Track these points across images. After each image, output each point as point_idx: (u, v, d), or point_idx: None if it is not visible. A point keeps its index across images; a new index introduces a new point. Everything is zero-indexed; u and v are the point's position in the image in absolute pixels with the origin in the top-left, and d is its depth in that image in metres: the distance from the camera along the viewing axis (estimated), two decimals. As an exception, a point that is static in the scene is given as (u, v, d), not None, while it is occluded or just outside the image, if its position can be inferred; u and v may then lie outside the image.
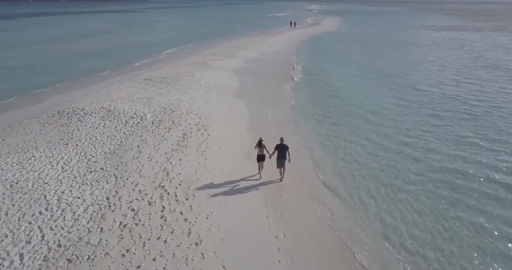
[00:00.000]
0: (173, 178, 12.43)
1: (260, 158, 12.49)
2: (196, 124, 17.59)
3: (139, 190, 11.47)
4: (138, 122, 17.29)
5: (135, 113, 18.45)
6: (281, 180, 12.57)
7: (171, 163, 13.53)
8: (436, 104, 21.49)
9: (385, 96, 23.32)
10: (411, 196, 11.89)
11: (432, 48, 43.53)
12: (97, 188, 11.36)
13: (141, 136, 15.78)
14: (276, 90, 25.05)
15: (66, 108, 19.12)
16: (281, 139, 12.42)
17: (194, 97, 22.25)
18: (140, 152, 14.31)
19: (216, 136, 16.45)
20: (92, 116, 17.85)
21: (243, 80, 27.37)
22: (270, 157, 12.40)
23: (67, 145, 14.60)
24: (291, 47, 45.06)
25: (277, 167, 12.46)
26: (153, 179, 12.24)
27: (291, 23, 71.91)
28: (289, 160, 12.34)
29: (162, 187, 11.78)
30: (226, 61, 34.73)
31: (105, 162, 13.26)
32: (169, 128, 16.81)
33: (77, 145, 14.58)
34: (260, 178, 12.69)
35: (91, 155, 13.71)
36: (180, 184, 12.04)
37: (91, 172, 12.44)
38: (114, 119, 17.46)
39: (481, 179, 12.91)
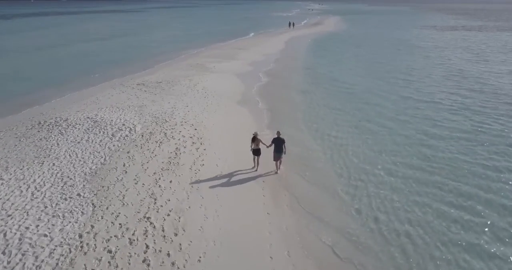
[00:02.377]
0: (161, 206, 10.67)
1: (256, 152, 12.80)
2: (190, 137, 15.83)
3: (120, 224, 9.70)
4: (126, 135, 15.53)
5: (123, 124, 16.69)
6: (276, 172, 12.85)
7: (159, 186, 11.77)
8: (443, 122, 18.08)
9: (389, 107, 21.42)
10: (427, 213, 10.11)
11: (437, 51, 41.07)
12: (70, 222, 9.59)
13: (128, 152, 14.01)
14: (283, 97, 23.08)
15: (48, 119, 17.36)
16: (278, 133, 12.73)
17: (190, 104, 20.50)
18: (126, 172, 12.55)
19: (213, 150, 14.69)
20: (76, 128, 16.08)
21: (244, 85, 25.58)
22: (268, 147, 12.66)
23: (42, 164, 12.84)
24: (292, 49, 43.24)
25: (274, 160, 12.79)
26: (138, 208, 10.47)
27: (289, 23, 70.08)
28: (285, 152, 12.65)
29: (148, 218, 10.01)
30: (225, 64, 32.98)
31: (83, 185, 11.49)
32: (160, 143, 15.05)
33: (54, 164, 12.81)
34: (256, 170, 12.98)
35: (68, 177, 11.95)
36: (168, 214, 10.27)
37: (65, 199, 10.67)
38: (100, 132, 15.69)
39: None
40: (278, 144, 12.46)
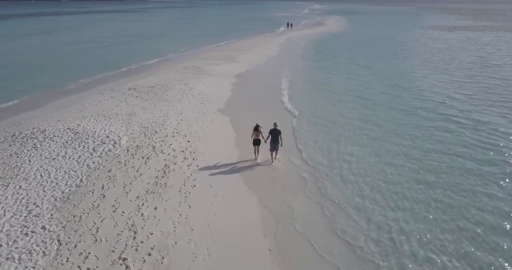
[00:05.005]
0: (142, 241, 8.88)
1: (256, 142, 13.18)
2: (182, 151, 14.07)
3: (88, 269, 7.91)
4: (109, 150, 13.73)
5: (107, 136, 14.90)
6: (272, 162, 13.20)
7: (142, 214, 9.99)
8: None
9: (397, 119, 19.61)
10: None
11: (440, 54, 38.98)
12: (26, 267, 7.81)
13: (109, 171, 12.23)
14: (284, 105, 21.36)
15: (24, 130, 15.58)
16: (275, 124, 13.13)
17: (184, 112, 18.76)
18: (104, 196, 10.77)
19: (206, 167, 12.94)
20: (53, 141, 14.30)
21: (244, 90, 23.83)
22: (265, 141, 13.10)
23: (7, 186, 11.05)
24: (290, 52, 41.43)
25: (270, 150, 13.18)
26: (113, 245, 8.68)
27: (287, 24, 67.90)
28: (281, 144, 13.10)
29: (124, 260, 8.22)
30: (224, 66, 31.23)
31: (51, 215, 9.70)
32: (148, 158, 13.27)
33: (20, 187, 11.03)
34: (256, 160, 13.36)
35: (34, 204, 10.16)
36: (150, 254, 8.48)
37: (26, 234, 8.89)
38: (79, 146, 13.90)
39: None
40: (275, 135, 12.88)
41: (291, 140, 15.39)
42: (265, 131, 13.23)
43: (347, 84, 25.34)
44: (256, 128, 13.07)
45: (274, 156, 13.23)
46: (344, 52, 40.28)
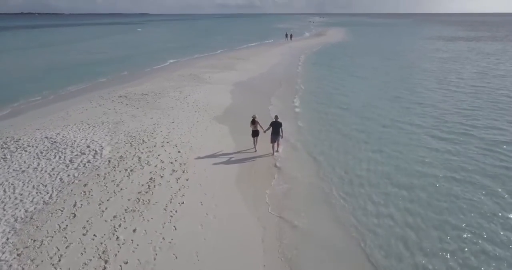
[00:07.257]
0: (113, 273, 7.23)
1: (255, 133, 13.49)
2: (171, 163, 12.48)
3: (39, 311, 6.25)
4: (89, 161, 12.14)
5: (88, 146, 13.33)
6: (273, 154, 13.23)
7: (117, 237, 8.35)
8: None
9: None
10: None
11: (441, 64, 37.61)
12: (-41, 310, 6.15)
13: (85, 185, 10.62)
14: (285, 113, 19.87)
15: (-3, 139, 14.05)
16: (276, 117, 13.25)
17: (177, 120, 17.24)
18: (74, 216, 9.13)
19: (197, 181, 11.33)
20: (26, 151, 12.73)
21: (242, 98, 22.36)
22: (264, 132, 13.17)
23: (-39, 204, 9.44)
24: (292, 61, 40.19)
25: (271, 142, 13.20)
26: (76, 279, 7.03)
27: (286, 35, 66.60)
28: (282, 136, 13.16)
29: (86, 299, 6.56)
30: (223, 74, 29.84)
31: (6, 239, 8.07)
32: (131, 171, 11.68)
33: (-23, 205, 9.42)
34: (255, 151, 13.56)
35: (-11, 225, 8.54)
36: (120, 290, 6.83)
37: (-30, 264, 7.25)
38: (55, 157, 12.32)
39: None
40: (275, 127, 12.90)
41: (291, 143, 13.94)
42: (265, 126, 13.37)
43: (348, 97, 23.54)
44: (253, 121, 13.38)
45: (276, 148, 13.36)
46: (344, 63, 38.92)
